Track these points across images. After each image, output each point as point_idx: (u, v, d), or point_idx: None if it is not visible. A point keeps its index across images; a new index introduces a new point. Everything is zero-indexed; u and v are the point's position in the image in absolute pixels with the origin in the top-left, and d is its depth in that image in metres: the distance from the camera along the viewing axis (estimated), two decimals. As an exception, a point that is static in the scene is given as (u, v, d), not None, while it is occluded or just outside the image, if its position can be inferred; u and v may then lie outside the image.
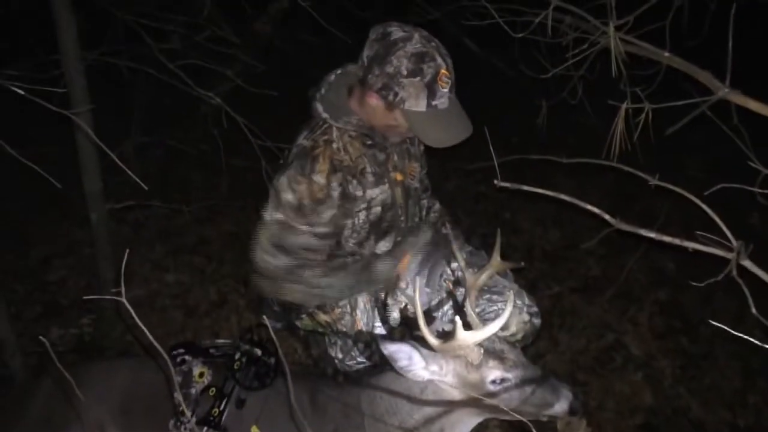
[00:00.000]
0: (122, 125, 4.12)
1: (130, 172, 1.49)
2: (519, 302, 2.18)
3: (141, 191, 3.31)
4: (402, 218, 2.19)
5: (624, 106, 1.39)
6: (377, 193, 2.07)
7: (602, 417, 2.61)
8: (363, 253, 2.13)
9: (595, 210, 1.26)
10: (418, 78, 1.82)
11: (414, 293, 1.81)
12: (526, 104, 2.63)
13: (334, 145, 1.95)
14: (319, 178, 1.91)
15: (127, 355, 2.90)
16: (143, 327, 0.99)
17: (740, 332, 3.07)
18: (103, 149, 2.06)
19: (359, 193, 2.02)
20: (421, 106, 1.85)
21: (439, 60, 1.83)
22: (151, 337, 0.99)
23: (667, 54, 1.34)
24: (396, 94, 1.84)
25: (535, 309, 2.21)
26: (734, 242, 1.19)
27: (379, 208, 2.09)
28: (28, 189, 3.02)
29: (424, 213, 2.38)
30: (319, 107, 1.95)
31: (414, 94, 1.83)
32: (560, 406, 1.72)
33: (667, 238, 1.22)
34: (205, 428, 1.81)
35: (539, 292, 3.43)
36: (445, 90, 1.85)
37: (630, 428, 2.58)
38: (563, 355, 2.98)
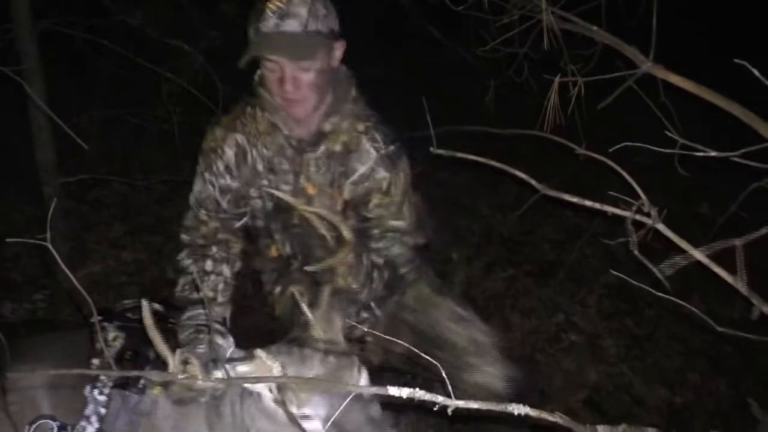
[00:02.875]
0: (84, 102, 4.07)
1: (78, 139, 1.48)
2: None
3: (100, 169, 3.29)
4: (297, 230, 2.09)
5: (557, 79, 1.44)
6: (274, 182, 2.02)
7: (550, 392, 2.69)
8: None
9: (523, 176, 1.31)
10: (255, 8, 1.78)
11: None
12: (481, 86, 2.68)
13: (248, 109, 1.97)
14: (217, 130, 1.99)
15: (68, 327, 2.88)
16: (69, 273, 1.01)
17: (684, 313, 3.19)
18: (56, 120, 2.08)
19: (259, 166, 2.00)
20: (251, 33, 1.78)
21: None
22: (78, 286, 1.02)
23: (595, 28, 1.40)
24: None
25: None
26: (651, 208, 1.25)
27: (271, 204, 2.05)
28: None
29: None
30: (257, 73, 1.93)
31: (249, 26, 1.79)
32: None
33: (588, 203, 1.28)
34: (121, 392, 1.77)
35: (494, 275, 3.52)
36: (271, 14, 1.73)
37: (575, 403, 2.68)
38: (515, 334, 3.06)
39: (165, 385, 1.64)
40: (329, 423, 1.44)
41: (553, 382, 2.79)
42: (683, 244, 1.24)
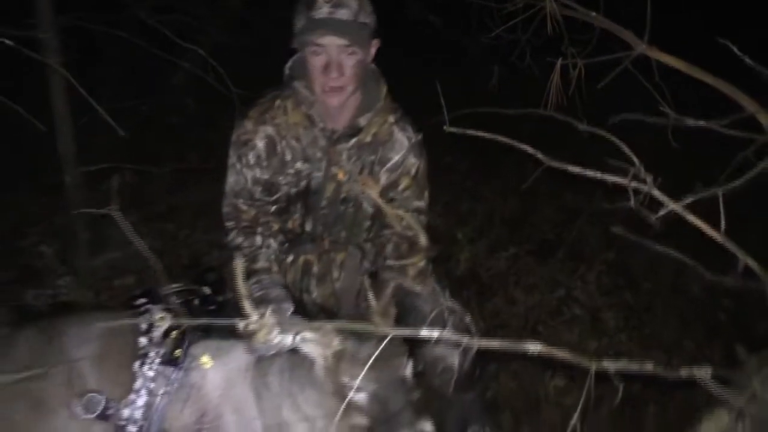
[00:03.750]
0: (96, 94, 4.19)
1: (116, 126, 1.61)
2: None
3: (109, 159, 3.40)
4: (324, 212, 2.24)
5: (559, 62, 1.57)
6: (306, 169, 2.15)
7: (553, 360, 2.83)
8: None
9: (530, 150, 1.45)
10: (301, 1, 1.92)
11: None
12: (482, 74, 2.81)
13: (277, 102, 2.09)
14: (248, 123, 2.11)
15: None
16: (139, 239, 1.14)
17: (679, 286, 3.35)
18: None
19: (287, 157, 2.13)
20: (302, 21, 1.91)
21: None
22: (146, 248, 1.14)
23: (594, 14, 1.53)
24: (294, 26, 1.94)
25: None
26: (647, 175, 1.38)
27: (304, 183, 2.18)
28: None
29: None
30: (287, 65, 2.07)
31: (298, 16, 1.92)
32: None
33: (590, 173, 1.42)
34: (168, 368, 1.90)
35: (497, 254, 3.67)
36: (324, 3, 1.87)
37: (580, 369, 2.81)
38: (518, 309, 3.21)
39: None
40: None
41: (556, 351, 2.94)
42: (674, 205, 1.36)
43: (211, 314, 2.01)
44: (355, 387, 1.64)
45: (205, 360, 1.93)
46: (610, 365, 1.18)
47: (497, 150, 2.30)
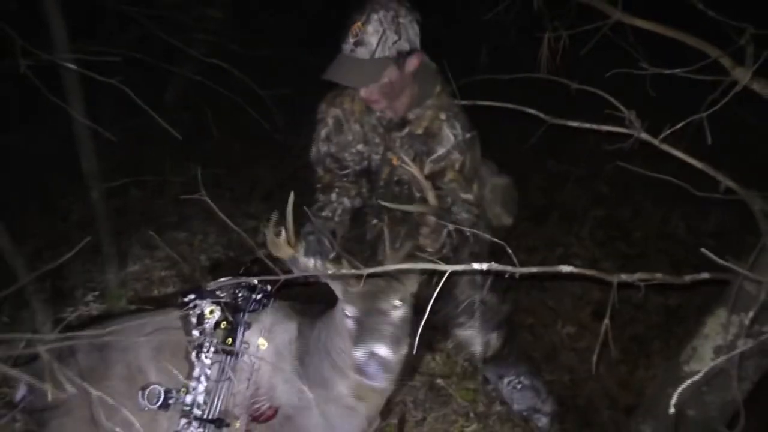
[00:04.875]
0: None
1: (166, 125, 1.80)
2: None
3: (115, 175, 3.52)
4: (382, 191, 2.51)
5: (547, 34, 1.80)
6: (366, 150, 2.47)
7: (562, 310, 3.10)
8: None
9: (533, 111, 1.68)
10: (348, 20, 2.13)
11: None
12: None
13: (347, 90, 2.39)
14: (323, 104, 2.47)
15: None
16: (220, 213, 1.35)
17: (667, 231, 3.65)
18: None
19: (350, 137, 2.45)
20: (340, 46, 2.17)
21: (363, 16, 2.08)
22: (226, 220, 1.35)
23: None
24: None
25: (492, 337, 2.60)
26: (636, 120, 1.62)
27: (366, 163, 2.49)
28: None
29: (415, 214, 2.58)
30: None
31: (341, 35, 2.15)
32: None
33: (587, 125, 1.65)
34: (222, 356, 2.09)
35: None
36: (350, 39, 2.10)
37: (585, 317, 3.09)
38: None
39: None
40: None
41: (563, 303, 3.20)
42: (665, 147, 1.60)
43: (258, 303, 2.23)
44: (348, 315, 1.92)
45: (262, 342, 2.16)
46: (628, 277, 1.41)
47: (484, 128, 2.55)
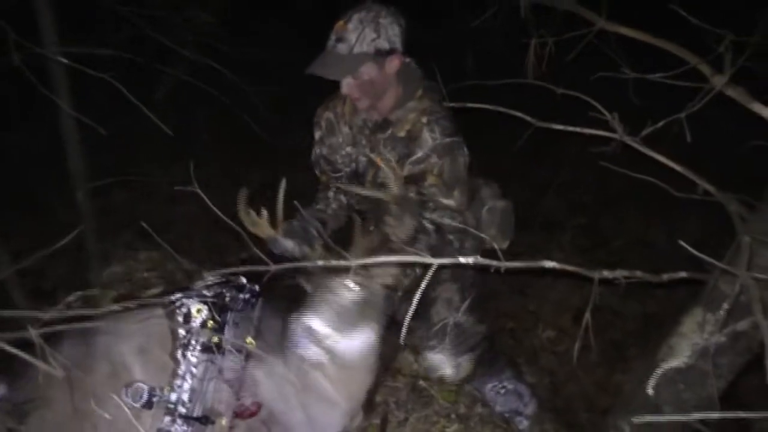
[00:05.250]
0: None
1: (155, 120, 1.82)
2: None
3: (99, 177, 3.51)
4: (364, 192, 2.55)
5: (534, 40, 1.85)
6: (354, 152, 2.53)
7: (542, 314, 3.15)
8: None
9: (519, 114, 1.73)
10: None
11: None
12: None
13: (339, 95, 2.47)
14: (319, 109, 2.59)
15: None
16: (215, 208, 1.37)
17: (646, 242, 3.72)
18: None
19: (341, 140, 2.53)
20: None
21: (346, 16, 2.21)
22: (221, 214, 1.38)
23: (560, -1, 1.82)
24: None
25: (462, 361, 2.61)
26: (618, 125, 1.68)
27: (354, 165, 2.54)
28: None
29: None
30: None
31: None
32: None
33: (571, 128, 1.71)
34: (208, 354, 2.07)
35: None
36: (332, 36, 2.23)
37: (564, 321, 3.14)
38: (505, 275, 3.49)
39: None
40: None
41: (543, 308, 3.25)
42: (645, 150, 1.66)
43: (245, 303, 2.25)
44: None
45: (250, 341, 2.17)
46: (609, 273, 1.45)
47: (469, 135, 2.60)
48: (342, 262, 1.42)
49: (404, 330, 1.46)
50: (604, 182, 4.54)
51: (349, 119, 2.52)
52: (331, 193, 2.65)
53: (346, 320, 2.01)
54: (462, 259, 1.37)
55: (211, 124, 4.36)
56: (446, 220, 2.44)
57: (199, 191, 1.53)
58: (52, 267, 3.81)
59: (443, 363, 2.58)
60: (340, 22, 2.20)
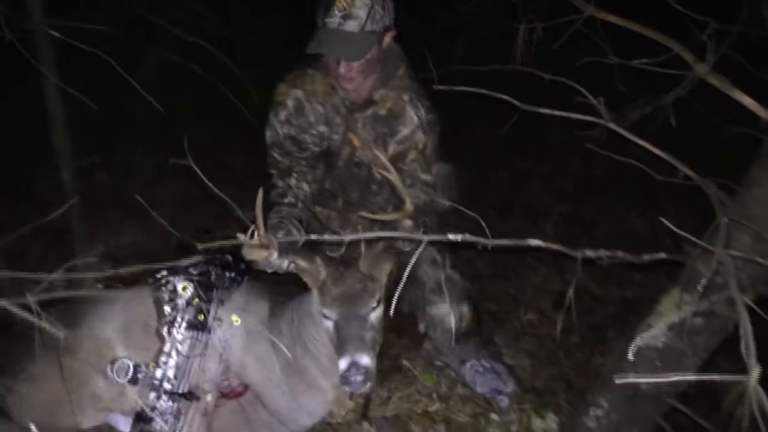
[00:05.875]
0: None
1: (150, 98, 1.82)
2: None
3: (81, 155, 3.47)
4: (340, 172, 2.52)
5: (522, 26, 1.88)
6: (327, 131, 2.45)
7: (524, 298, 3.21)
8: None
9: (504, 97, 1.76)
10: (323, 2, 2.15)
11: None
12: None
13: (309, 71, 2.39)
14: (282, 86, 2.44)
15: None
16: (210, 184, 1.39)
17: (626, 230, 3.79)
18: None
19: (312, 119, 2.43)
20: (319, 22, 2.17)
21: None
22: (215, 190, 1.40)
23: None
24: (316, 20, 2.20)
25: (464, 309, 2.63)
26: (604, 111, 1.71)
27: (326, 144, 2.48)
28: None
29: (379, 200, 2.59)
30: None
31: (319, 11, 2.17)
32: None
33: (558, 113, 1.74)
34: (194, 332, 2.11)
35: (461, 215, 4.01)
36: (337, 12, 2.10)
37: (545, 305, 3.20)
38: (488, 259, 3.54)
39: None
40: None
41: (525, 292, 3.31)
42: (629, 135, 1.70)
43: (231, 281, 2.26)
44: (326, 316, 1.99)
45: (235, 318, 2.18)
46: (592, 253, 1.50)
47: (451, 123, 2.62)
48: (335, 237, 1.44)
49: (394, 303, 1.48)
50: (586, 172, 4.62)
51: (322, 97, 2.42)
52: (293, 181, 2.51)
53: (376, 340, 2.05)
54: (451, 236, 1.41)
55: (198, 106, 4.33)
56: (422, 197, 2.45)
57: (193, 165, 1.54)
58: (34, 247, 3.78)
59: (446, 314, 2.55)
60: None
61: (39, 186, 3.97)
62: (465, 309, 2.63)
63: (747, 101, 1.59)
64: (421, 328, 2.73)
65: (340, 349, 1.92)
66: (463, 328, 2.62)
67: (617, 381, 1.38)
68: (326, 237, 1.55)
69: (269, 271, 2.04)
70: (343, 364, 1.88)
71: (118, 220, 4.03)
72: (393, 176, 1.98)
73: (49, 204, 3.77)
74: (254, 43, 4.41)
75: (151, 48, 2.99)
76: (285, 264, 2.00)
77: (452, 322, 2.57)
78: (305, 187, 2.51)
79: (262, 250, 1.91)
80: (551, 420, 2.54)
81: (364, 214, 2.15)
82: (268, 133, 2.52)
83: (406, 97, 2.36)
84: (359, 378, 1.86)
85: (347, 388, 1.94)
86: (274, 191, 2.51)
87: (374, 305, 2.01)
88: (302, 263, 2.00)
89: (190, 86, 4.31)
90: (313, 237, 1.48)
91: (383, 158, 2.02)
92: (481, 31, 2.45)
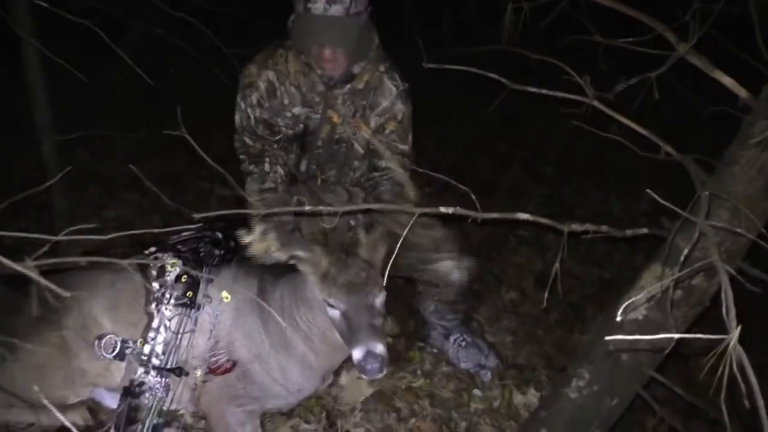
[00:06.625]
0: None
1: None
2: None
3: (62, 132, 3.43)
4: (319, 151, 2.48)
5: (509, 6, 1.91)
6: (303, 113, 2.41)
7: (506, 278, 3.27)
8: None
9: (494, 76, 1.79)
10: None
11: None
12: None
13: (280, 51, 2.34)
14: (252, 67, 2.37)
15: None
16: (204, 155, 1.40)
17: (604, 212, 3.86)
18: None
19: (285, 101, 2.39)
20: (299, 7, 2.14)
21: None
22: (208, 159, 1.41)
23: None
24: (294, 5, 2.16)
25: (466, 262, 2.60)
26: (589, 88, 1.75)
27: (301, 126, 2.44)
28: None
29: (356, 176, 2.57)
30: (291, 19, 2.24)
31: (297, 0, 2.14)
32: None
33: (544, 91, 1.78)
34: (183, 308, 2.13)
35: (445, 197, 4.05)
36: None
37: (527, 284, 3.27)
38: (472, 241, 3.59)
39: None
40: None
41: (507, 271, 3.37)
42: (613, 113, 1.74)
43: (221, 258, 2.26)
44: (331, 305, 1.99)
45: (225, 295, 2.20)
46: (578, 227, 1.54)
47: (435, 107, 2.64)
48: (329, 208, 1.46)
49: (387, 271, 1.50)
50: (565, 157, 4.70)
51: (296, 78, 2.37)
52: (267, 166, 2.44)
53: (383, 324, 2.06)
54: (443, 209, 1.44)
55: (180, 81, 4.28)
56: (398, 170, 2.35)
57: (187, 136, 1.54)
58: (13, 224, 3.73)
59: (452, 268, 2.54)
60: None
61: (17, 160, 3.91)
62: (467, 261, 2.60)
63: (727, 81, 1.64)
64: (420, 290, 2.70)
65: (352, 339, 1.93)
66: (467, 281, 2.61)
67: (607, 339, 1.42)
68: (321, 208, 1.55)
69: (269, 263, 2.02)
70: (358, 354, 1.89)
71: (99, 196, 4.01)
72: (393, 163, 2.03)
73: (27, 179, 3.76)
74: (239, 18, 4.36)
75: (133, 21, 2.93)
76: (285, 256, 2.00)
77: (457, 275, 2.55)
78: (280, 170, 2.46)
79: (261, 244, 1.91)
80: (532, 395, 2.60)
81: (366, 205, 2.13)
82: (237, 117, 2.46)
83: (381, 68, 2.35)
84: (376, 365, 1.88)
85: (364, 376, 1.95)
86: (251, 177, 2.45)
87: (378, 291, 2.03)
88: (302, 253, 2.01)
89: (171, 62, 4.26)
90: (308, 209, 1.48)
91: (370, 135, 2.03)
92: (468, 11, 2.46)
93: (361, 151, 2.45)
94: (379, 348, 1.91)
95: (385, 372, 1.93)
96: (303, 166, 2.55)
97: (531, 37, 2.17)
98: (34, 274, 0.94)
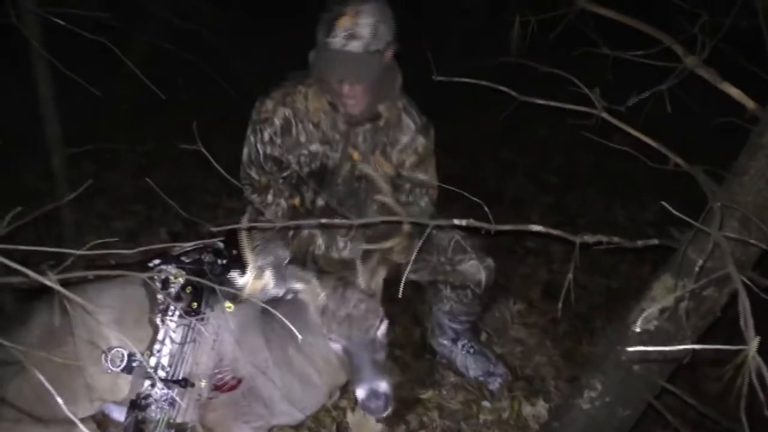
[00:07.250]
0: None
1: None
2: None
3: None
4: (339, 188, 2.46)
5: (517, 18, 1.92)
6: (321, 150, 2.38)
7: (513, 288, 3.27)
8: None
9: (502, 88, 1.80)
10: (327, 13, 2.06)
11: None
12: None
13: (299, 87, 2.32)
14: (269, 103, 2.34)
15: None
16: (218, 167, 1.41)
17: (608, 220, 3.87)
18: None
19: (302, 138, 2.37)
20: (320, 39, 2.10)
21: (350, 8, 2.03)
22: (223, 172, 1.41)
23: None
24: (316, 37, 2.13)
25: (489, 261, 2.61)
26: (598, 100, 1.76)
27: (318, 163, 2.41)
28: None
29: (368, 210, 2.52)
30: (311, 55, 2.18)
31: (320, 29, 2.10)
32: None
33: (553, 103, 1.78)
34: (187, 319, 2.13)
35: (450, 206, 4.05)
36: (341, 32, 2.03)
37: (533, 295, 3.27)
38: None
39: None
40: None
41: (514, 282, 3.37)
42: (622, 125, 1.75)
43: (223, 268, 2.26)
44: (332, 339, 2.00)
45: (228, 305, 2.18)
46: (590, 238, 1.55)
47: (438, 116, 2.65)
48: (344, 222, 1.46)
49: (404, 278, 1.50)
50: (569, 164, 4.71)
51: (314, 115, 2.36)
52: (270, 197, 2.44)
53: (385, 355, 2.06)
54: (456, 221, 1.45)
55: (187, 92, 4.30)
56: (421, 204, 2.47)
57: (203, 149, 1.55)
58: (21, 236, 3.70)
59: (476, 269, 2.53)
60: (346, 17, 2.03)
61: (27, 172, 3.93)
62: (489, 262, 2.60)
63: (734, 92, 1.64)
64: (437, 291, 2.68)
65: (355, 377, 1.93)
66: (491, 280, 2.60)
67: (627, 350, 1.42)
68: (337, 221, 1.55)
69: (264, 300, 2.00)
70: (361, 393, 1.89)
71: (106, 207, 4.02)
72: (389, 200, 1.99)
73: (34, 191, 3.78)
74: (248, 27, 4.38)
75: (140, 35, 2.95)
76: (281, 292, 1.99)
77: (482, 275, 2.54)
78: (283, 203, 2.45)
79: (258, 282, 1.91)
80: (541, 406, 2.60)
81: (382, 217, 2.03)
82: (245, 150, 2.44)
83: (399, 105, 2.36)
84: (380, 404, 1.87)
85: (368, 414, 1.96)
86: (251, 206, 2.46)
87: (379, 323, 2.02)
88: (298, 286, 2.01)
89: (178, 75, 4.28)
90: (323, 221, 1.48)
91: (381, 184, 2.02)
92: (475, 23, 2.48)
93: (386, 186, 2.44)
94: (383, 386, 1.89)
95: (390, 410, 1.92)
96: (320, 202, 2.52)
97: (538, 49, 2.19)
98: (58, 287, 0.94)
